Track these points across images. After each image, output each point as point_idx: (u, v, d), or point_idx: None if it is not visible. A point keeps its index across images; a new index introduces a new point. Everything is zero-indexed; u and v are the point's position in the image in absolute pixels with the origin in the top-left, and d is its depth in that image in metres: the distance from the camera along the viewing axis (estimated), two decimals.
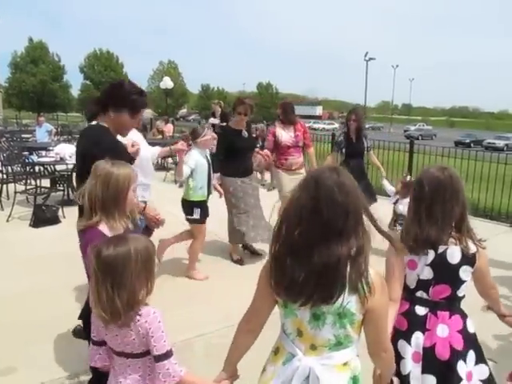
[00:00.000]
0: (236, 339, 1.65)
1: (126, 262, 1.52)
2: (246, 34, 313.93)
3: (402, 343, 1.85)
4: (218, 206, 4.95)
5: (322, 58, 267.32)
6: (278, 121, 5.61)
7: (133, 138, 3.04)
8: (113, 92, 2.58)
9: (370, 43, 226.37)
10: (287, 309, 1.47)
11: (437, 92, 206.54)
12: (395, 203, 5.06)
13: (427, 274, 1.81)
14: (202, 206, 4.38)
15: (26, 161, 7.36)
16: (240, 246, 5.17)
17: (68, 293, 3.90)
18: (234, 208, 4.82)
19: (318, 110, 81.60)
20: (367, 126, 53.00)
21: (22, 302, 3.82)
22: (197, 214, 4.32)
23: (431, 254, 1.79)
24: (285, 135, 5.40)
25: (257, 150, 5.41)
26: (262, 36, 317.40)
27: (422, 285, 1.84)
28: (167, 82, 26.35)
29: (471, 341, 1.85)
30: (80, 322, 2.69)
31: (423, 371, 1.81)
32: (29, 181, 7.07)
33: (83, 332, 2.75)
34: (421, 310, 1.85)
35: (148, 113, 45.89)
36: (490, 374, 1.88)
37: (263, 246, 5.09)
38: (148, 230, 3.24)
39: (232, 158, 4.74)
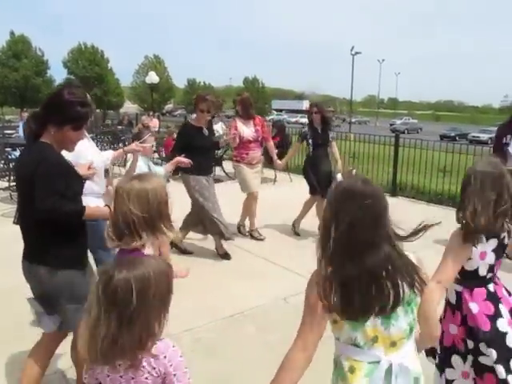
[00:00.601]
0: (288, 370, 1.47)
1: (142, 289, 1.25)
2: (233, 29, 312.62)
3: (500, 323, 2.03)
4: None
5: (309, 53, 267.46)
6: (237, 116, 5.61)
7: (81, 148, 2.85)
8: (51, 106, 2.27)
9: (357, 37, 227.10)
10: (356, 322, 1.42)
11: (422, 86, 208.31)
12: None
13: (492, 258, 2.03)
14: None
15: (9, 157, 7.26)
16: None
17: None
18: (202, 207, 4.71)
19: (305, 105, 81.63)
20: (353, 119, 53.40)
21: (7, 299, 3.78)
22: None
23: (494, 241, 2.01)
24: (246, 130, 5.42)
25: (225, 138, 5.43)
26: (249, 30, 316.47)
27: (491, 268, 2.05)
28: (152, 77, 26.12)
29: None
30: None
31: None
32: (12, 177, 6.98)
33: None
34: (491, 287, 2.08)
35: (134, 108, 45.37)
36: None
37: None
38: None
39: (192, 157, 4.53)
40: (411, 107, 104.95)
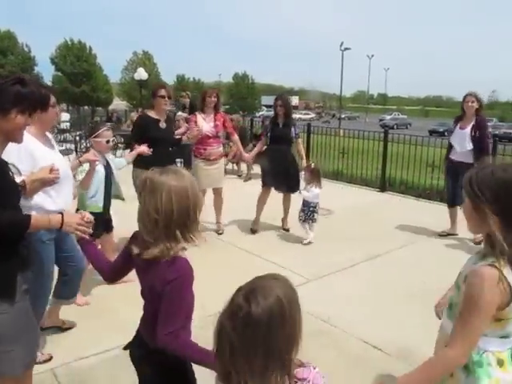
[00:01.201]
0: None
1: (279, 316, 1.10)
2: (224, 25, 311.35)
3: None
4: None
5: (299, 49, 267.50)
6: (198, 111, 5.54)
7: (32, 147, 2.52)
8: None
9: (346, 33, 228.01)
10: None
11: (412, 81, 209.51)
12: (302, 190, 5.27)
13: None
14: (97, 218, 2.80)
15: None
16: None
17: None
18: None
19: (295, 100, 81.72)
20: (343, 115, 53.54)
21: None
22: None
23: None
24: (205, 125, 5.35)
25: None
26: (240, 26, 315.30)
27: None
28: (141, 73, 25.96)
29: None
30: None
31: None
32: None
33: None
34: None
35: (122, 104, 44.99)
36: None
37: None
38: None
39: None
40: (400, 102, 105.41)
